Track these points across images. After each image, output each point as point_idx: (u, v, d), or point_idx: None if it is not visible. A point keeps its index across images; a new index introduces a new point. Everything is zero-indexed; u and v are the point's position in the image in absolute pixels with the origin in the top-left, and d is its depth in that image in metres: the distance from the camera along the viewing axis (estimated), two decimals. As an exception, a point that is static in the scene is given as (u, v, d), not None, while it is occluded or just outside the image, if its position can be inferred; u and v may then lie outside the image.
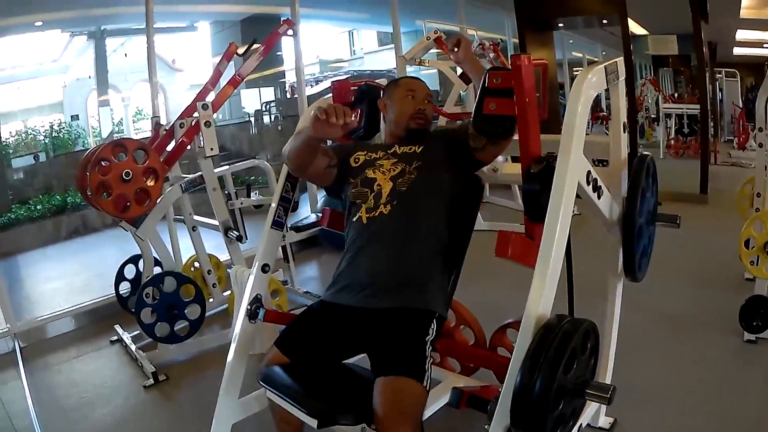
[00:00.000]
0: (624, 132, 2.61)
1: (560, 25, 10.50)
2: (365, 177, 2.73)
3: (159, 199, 4.25)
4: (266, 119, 14.79)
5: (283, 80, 15.29)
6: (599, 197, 2.34)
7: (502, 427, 1.97)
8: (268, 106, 15.41)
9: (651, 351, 3.84)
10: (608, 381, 2.89)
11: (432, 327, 2.43)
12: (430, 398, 2.83)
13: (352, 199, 2.73)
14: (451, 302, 2.88)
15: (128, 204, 4.04)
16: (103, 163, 3.95)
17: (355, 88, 3.30)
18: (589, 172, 2.20)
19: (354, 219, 2.68)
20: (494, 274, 4.31)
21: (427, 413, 2.63)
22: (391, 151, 2.79)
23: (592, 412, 2.81)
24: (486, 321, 3.26)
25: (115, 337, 5.03)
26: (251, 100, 16.36)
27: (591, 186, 2.24)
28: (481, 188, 2.90)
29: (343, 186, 2.83)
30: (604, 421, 2.99)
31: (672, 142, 10.27)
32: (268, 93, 15.83)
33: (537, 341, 1.88)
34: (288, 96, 15.39)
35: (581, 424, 2.54)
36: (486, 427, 2.04)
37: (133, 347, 4.62)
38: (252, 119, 15.75)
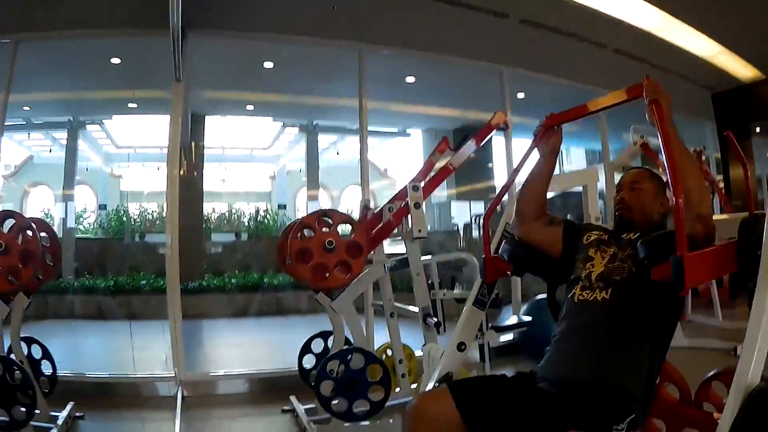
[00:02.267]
0: None
1: (758, 130, 10.31)
2: (587, 254, 2.63)
3: (359, 275, 4.25)
4: (474, 232, 14.83)
5: (493, 195, 15.38)
6: None
7: None
8: (477, 219, 15.46)
9: None
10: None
11: (624, 424, 2.21)
12: None
13: (573, 274, 2.64)
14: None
15: (328, 274, 4.06)
16: (306, 232, 4.03)
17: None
18: None
19: (569, 295, 2.58)
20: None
21: None
22: (615, 237, 2.65)
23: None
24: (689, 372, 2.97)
25: (288, 407, 5.00)
26: (461, 212, 16.47)
27: None
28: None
29: (569, 265, 2.71)
30: None
31: None
32: (479, 206, 15.91)
33: (743, 410, 1.76)
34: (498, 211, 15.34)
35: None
36: None
37: (305, 419, 4.56)
38: (461, 231, 15.83)
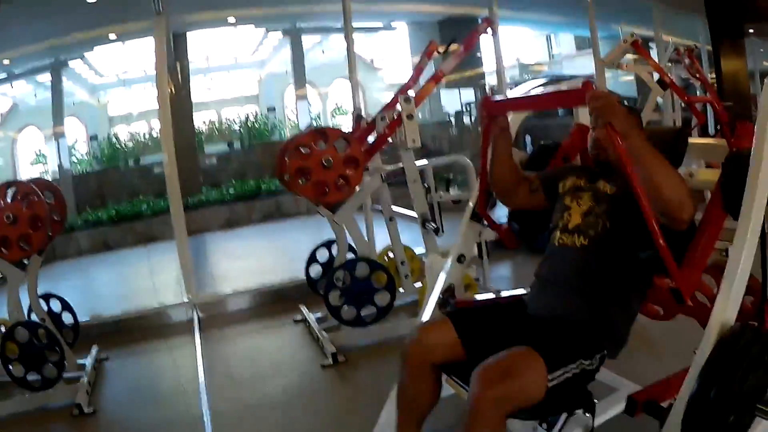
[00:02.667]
0: None
1: (751, 31, 10.08)
2: (563, 204, 2.70)
3: (358, 188, 4.38)
4: (466, 120, 14.86)
5: (482, 81, 15.30)
6: None
7: None
8: (468, 107, 15.46)
9: None
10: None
11: (594, 359, 2.33)
12: (605, 405, 2.74)
13: (552, 222, 2.73)
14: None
15: (327, 190, 4.18)
16: (303, 150, 4.11)
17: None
18: None
19: (551, 237, 2.68)
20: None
21: (599, 420, 2.55)
22: (593, 182, 2.69)
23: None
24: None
25: (299, 317, 5.20)
26: (451, 100, 16.53)
27: None
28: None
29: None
30: None
31: None
32: (468, 94, 15.89)
33: (717, 348, 1.87)
34: (488, 97, 15.30)
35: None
36: None
37: (316, 327, 4.75)
38: (452, 119, 15.86)
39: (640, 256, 2.31)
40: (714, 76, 10.11)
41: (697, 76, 6.71)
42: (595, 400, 2.35)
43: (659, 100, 6.89)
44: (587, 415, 2.38)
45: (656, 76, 6.46)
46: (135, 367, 4.68)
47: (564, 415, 2.42)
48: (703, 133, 8.09)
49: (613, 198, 2.54)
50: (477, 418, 2.04)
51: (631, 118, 2.21)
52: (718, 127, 6.80)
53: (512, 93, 3.68)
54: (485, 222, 3.11)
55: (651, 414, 2.16)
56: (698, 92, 7.59)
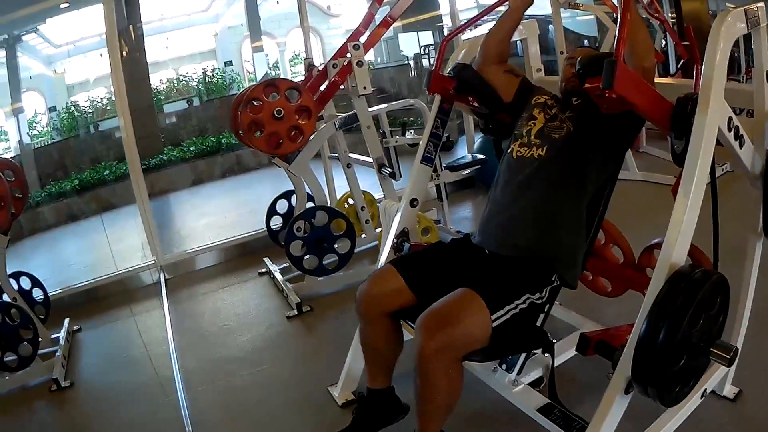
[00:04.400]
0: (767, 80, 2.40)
1: None
2: (531, 113, 2.71)
3: (312, 137, 4.35)
4: (425, 62, 14.76)
5: (440, 24, 15.18)
6: (741, 146, 2.22)
7: (624, 377, 1.95)
8: (426, 50, 15.35)
9: None
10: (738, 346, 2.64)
11: (543, 292, 2.35)
12: (562, 346, 2.82)
13: (515, 131, 2.73)
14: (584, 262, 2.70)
15: (281, 141, 4.15)
16: (254, 103, 4.07)
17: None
18: (730, 119, 2.08)
19: (508, 150, 2.68)
20: (644, 222, 3.76)
21: (559, 361, 2.62)
22: (563, 101, 2.70)
23: (718, 378, 2.61)
24: (634, 241, 3.07)
25: (264, 270, 5.25)
26: (410, 43, 16.37)
27: (732, 133, 2.12)
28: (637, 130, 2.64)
29: (515, 119, 2.81)
30: (728, 390, 2.75)
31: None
32: (427, 37, 15.77)
33: (666, 289, 1.86)
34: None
35: (705, 390, 2.45)
36: (608, 375, 2.02)
37: (280, 278, 4.79)
38: (411, 62, 15.76)
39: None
40: (674, 16, 10.07)
41: (656, 15, 6.67)
42: (554, 340, 2.39)
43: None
44: (546, 355, 2.45)
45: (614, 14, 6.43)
46: (107, 335, 4.69)
47: (523, 356, 2.47)
48: (664, 72, 8.13)
49: (580, 107, 2.56)
50: (425, 369, 2.08)
51: None
52: (679, 66, 6.79)
53: (471, 34, 3.63)
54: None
55: (602, 354, 2.17)
56: (657, 32, 7.54)
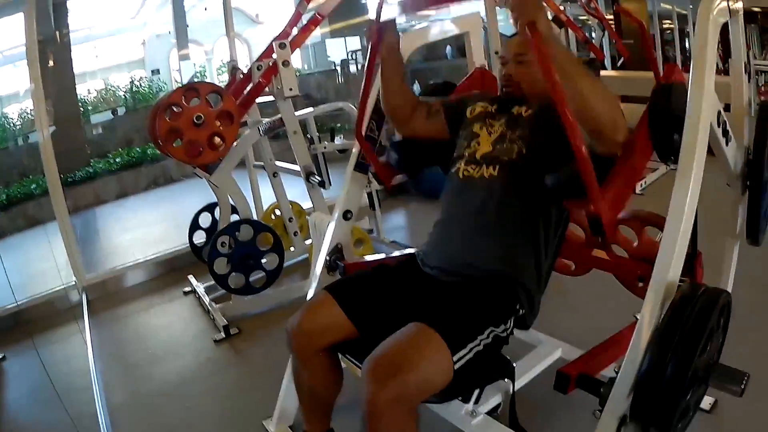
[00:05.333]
0: (746, 73, 2.26)
1: None
2: (471, 130, 2.40)
3: (235, 144, 4.06)
4: (352, 68, 14.65)
5: (367, 29, 15.17)
6: (727, 143, 2.03)
7: (616, 417, 1.69)
8: (354, 55, 15.24)
9: (755, 331, 3.17)
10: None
11: (508, 323, 2.06)
12: (524, 366, 2.61)
13: (455, 152, 2.43)
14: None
15: (201, 150, 3.83)
16: (174, 109, 3.76)
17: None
18: (719, 113, 1.88)
19: (452, 170, 2.37)
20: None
21: (519, 384, 2.36)
22: (505, 110, 2.39)
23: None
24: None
25: (189, 289, 4.93)
26: (337, 49, 16.29)
27: (721, 129, 1.93)
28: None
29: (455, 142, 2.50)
30: (704, 401, 2.61)
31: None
32: (354, 42, 15.68)
33: (670, 315, 1.61)
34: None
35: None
36: (596, 413, 1.76)
37: (206, 299, 4.49)
38: (338, 68, 15.62)
39: (547, 183, 1.97)
40: (612, 16, 9.99)
41: (594, 14, 6.56)
42: (514, 364, 2.12)
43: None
44: (506, 380, 2.16)
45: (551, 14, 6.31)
46: (32, 364, 4.26)
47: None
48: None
49: (530, 121, 2.24)
50: (376, 426, 1.73)
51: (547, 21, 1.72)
52: (619, 65, 6.71)
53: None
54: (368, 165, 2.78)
55: (587, 390, 1.91)
56: (594, 31, 7.45)
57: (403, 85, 2.52)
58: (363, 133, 2.68)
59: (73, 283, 5.18)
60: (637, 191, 5.26)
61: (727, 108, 2.07)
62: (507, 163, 2.18)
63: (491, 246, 2.14)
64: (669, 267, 1.66)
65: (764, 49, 10.30)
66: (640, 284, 2.53)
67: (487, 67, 3.40)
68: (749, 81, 2.14)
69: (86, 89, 15.33)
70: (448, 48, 11.17)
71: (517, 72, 2.33)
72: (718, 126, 1.90)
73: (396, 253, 2.99)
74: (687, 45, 10.58)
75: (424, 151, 2.63)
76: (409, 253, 2.48)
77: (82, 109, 13.32)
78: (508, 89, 2.37)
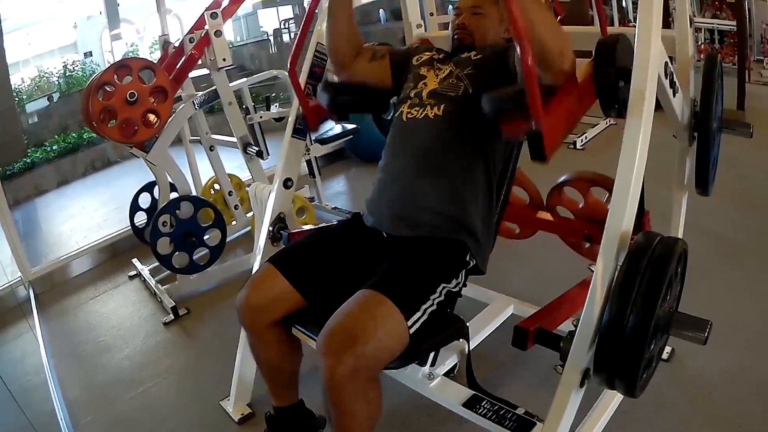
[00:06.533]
0: (690, 27, 2.26)
1: None
2: (418, 73, 2.37)
3: (170, 120, 3.94)
4: (285, 37, 14.47)
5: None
6: (674, 95, 2.04)
7: (578, 370, 1.67)
8: (286, 24, 15.05)
9: (706, 278, 3.30)
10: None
11: (459, 277, 2.04)
12: (478, 324, 2.61)
13: (400, 94, 2.40)
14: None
15: (136, 128, 3.74)
16: (107, 88, 3.65)
17: None
18: (666, 64, 1.88)
19: (396, 114, 2.33)
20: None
21: (474, 343, 2.39)
22: (453, 55, 2.38)
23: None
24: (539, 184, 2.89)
25: (134, 272, 4.82)
26: (269, 19, 16.07)
27: (668, 80, 1.93)
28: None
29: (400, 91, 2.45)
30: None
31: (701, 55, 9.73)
32: (287, 11, 15.48)
33: (628, 265, 1.58)
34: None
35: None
36: (557, 368, 1.75)
37: (152, 281, 4.40)
38: (271, 38, 15.43)
39: (483, 106, 1.86)
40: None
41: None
42: (467, 324, 2.10)
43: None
44: (461, 340, 2.13)
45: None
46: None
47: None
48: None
49: (478, 62, 2.20)
50: (337, 398, 1.73)
51: None
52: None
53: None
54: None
55: (546, 345, 1.87)
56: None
57: (352, 24, 2.44)
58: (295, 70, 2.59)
59: (19, 278, 5.00)
60: (578, 146, 5.28)
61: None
62: (452, 100, 2.16)
63: (438, 186, 2.10)
64: (623, 216, 1.63)
65: (702, 7, 10.40)
66: (587, 245, 2.56)
67: (424, 31, 3.33)
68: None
69: (20, 78, 14.98)
70: (381, 12, 11.05)
71: (471, 22, 2.35)
72: (666, 77, 1.89)
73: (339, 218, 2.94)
74: (623, 3, 10.64)
75: (357, 95, 2.55)
76: (353, 213, 2.44)
77: (17, 98, 13.13)
78: (461, 36, 2.36)
